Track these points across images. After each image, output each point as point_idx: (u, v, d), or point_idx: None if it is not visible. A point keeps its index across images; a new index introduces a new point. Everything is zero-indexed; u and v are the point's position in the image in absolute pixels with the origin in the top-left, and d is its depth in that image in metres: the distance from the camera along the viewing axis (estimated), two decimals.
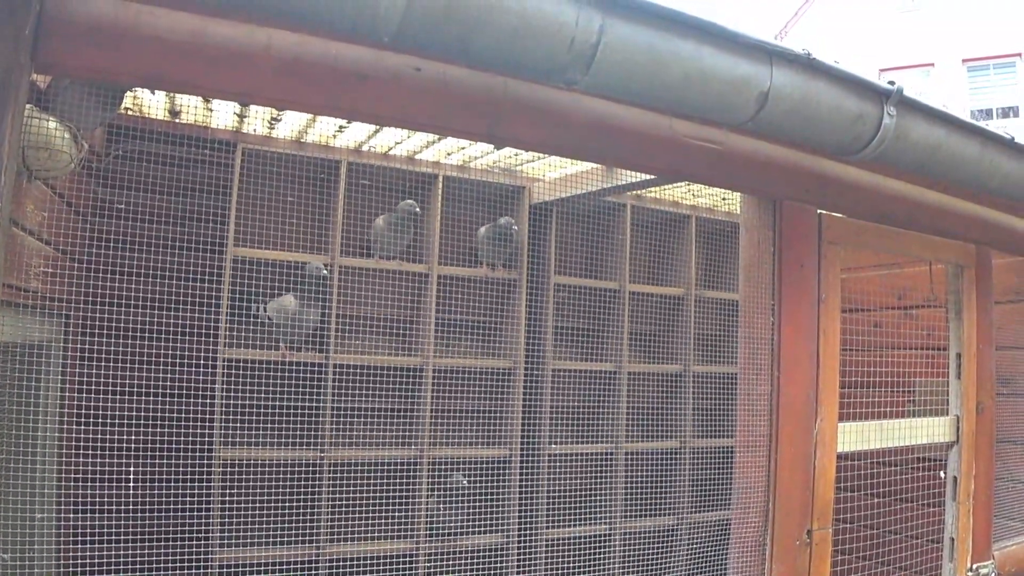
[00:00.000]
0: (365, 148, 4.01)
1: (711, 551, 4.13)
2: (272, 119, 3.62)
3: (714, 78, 2.05)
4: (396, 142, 3.89)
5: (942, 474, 3.32)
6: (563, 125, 2.15)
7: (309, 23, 1.69)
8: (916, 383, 3.79)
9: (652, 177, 3.31)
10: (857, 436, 2.90)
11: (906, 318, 4.41)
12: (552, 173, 4.33)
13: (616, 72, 1.93)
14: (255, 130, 3.81)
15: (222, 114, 3.57)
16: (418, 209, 3.98)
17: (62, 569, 3.03)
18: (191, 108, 3.49)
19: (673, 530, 4.77)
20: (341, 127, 3.66)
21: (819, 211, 2.75)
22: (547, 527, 4.39)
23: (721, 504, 4.67)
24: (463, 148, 3.96)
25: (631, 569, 4.47)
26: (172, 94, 3.21)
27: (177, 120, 3.62)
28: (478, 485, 4.21)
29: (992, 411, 3.40)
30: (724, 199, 4.92)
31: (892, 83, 2.42)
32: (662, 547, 4.67)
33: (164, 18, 1.69)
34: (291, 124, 3.69)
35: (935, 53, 18.56)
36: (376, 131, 3.67)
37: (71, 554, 3.01)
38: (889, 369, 3.72)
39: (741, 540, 2.61)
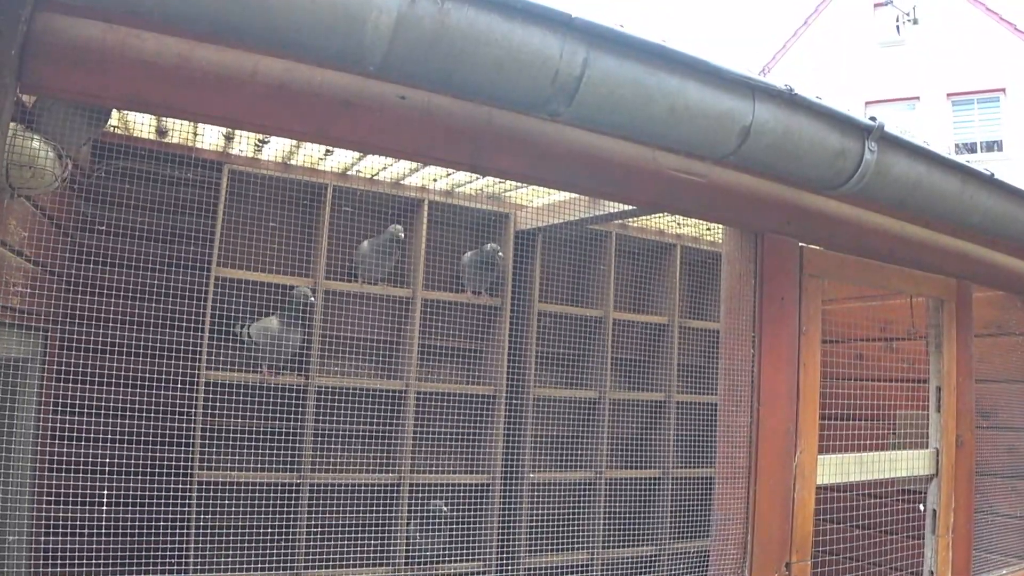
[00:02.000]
0: (351, 172, 4.02)
1: None
2: (259, 141, 3.62)
3: (698, 112, 2.07)
4: (382, 167, 3.90)
5: (921, 507, 3.32)
6: (546, 156, 2.16)
7: (296, 50, 1.70)
8: (897, 415, 3.81)
9: (628, 209, 3.34)
10: (837, 468, 2.91)
11: (888, 350, 4.44)
12: (538, 200, 4.35)
13: (600, 105, 1.95)
14: (242, 151, 3.81)
15: (209, 135, 3.57)
16: (403, 234, 3.98)
17: None
18: (178, 128, 3.49)
19: (654, 559, 4.74)
20: (328, 151, 3.68)
21: (800, 244, 2.77)
22: (528, 555, 4.36)
23: (702, 534, 4.65)
24: (449, 174, 3.98)
25: None
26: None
27: (164, 139, 3.62)
28: (459, 512, 4.18)
29: (972, 444, 3.42)
30: (708, 229, 4.95)
31: (873, 119, 2.46)
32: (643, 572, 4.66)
33: (151, 42, 1.70)
34: (278, 146, 3.69)
35: (920, 87, 18.81)
36: (362, 156, 3.68)
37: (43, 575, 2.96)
38: (870, 401, 3.74)
39: (720, 571, 2.60)
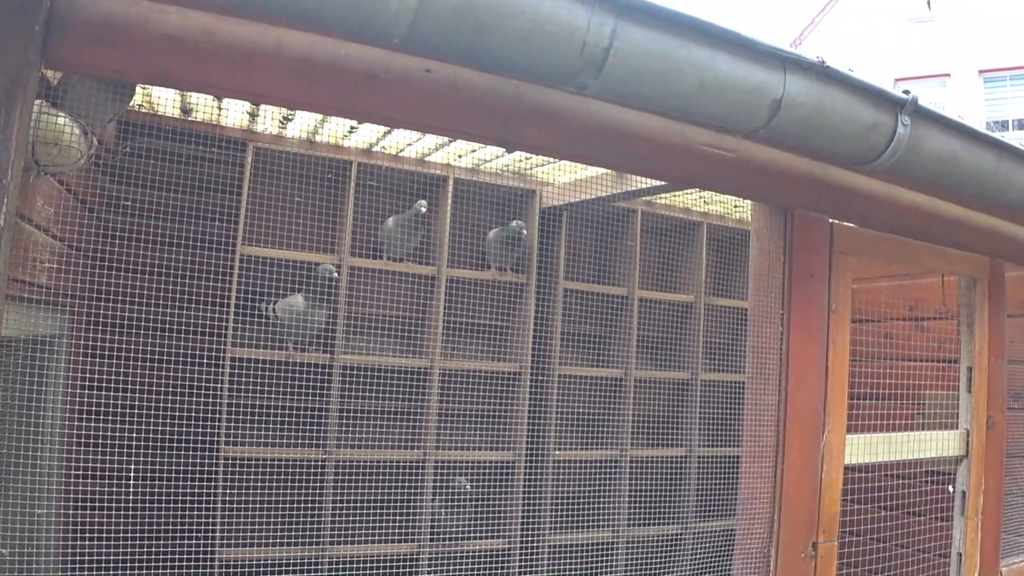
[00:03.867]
0: (376, 149, 4.00)
1: (715, 561, 4.13)
2: (284, 118, 3.61)
3: (729, 85, 2.03)
4: (407, 143, 3.88)
5: (951, 488, 3.28)
6: (575, 131, 2.13)
7: (320, 24, 1.68)
8: (926, 395, 3.76)
9: (663, 183, 3.30)
10: (865, 448, 2.87)
11: (917, 329, 4.37)
12: (563, 177, 4.32)
13: (628, 77, 1.91)
14: (266, 129, 3.80)
15: (233, 112, 3.57)
16: (426, 209, 3.97)
17: (62, 566, 3.02)
18: (203, 106, 3.49)
19: (678, 538, 4.73)
20: (352, 128, 3.66)
21: (831, 221, 2.72)
22: (551, 533, 4.37)
23: (727, 513, 4.65)
24: (474, 151, 3.95)
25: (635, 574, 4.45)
26: (184, 92, 3.20)
27: (189, 118, 3.62)
28: (483, 489, 4.19)
29: (1003, 426, 3.37)
30: (736, 207, 4.89)
31: (907, 92, 2.40)
32: (667, 555, 4.64)
33: (175, 16, 1.68)
34: (302, 124, 3.68)
35: (951, 64, 18.45)
36: (387, 132, 3.66)
37: (72, 551, 3.01)
38: (899, 381, 3.69)
39: (745, 551, 2.59)
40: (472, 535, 4.12)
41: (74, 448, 3.13)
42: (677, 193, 4.59)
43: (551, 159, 3.97)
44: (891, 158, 2.43)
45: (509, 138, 2.05)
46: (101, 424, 3.08)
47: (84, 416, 3.16)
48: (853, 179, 2.75)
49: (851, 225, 2.80)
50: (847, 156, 2.45)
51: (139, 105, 3.47)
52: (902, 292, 4.34)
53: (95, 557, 2.86)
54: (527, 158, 4.00)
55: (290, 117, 3.60)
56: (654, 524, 4.62)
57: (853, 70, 2.34)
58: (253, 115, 3.58)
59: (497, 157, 4.03)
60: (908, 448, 3.03)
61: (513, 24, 1.72)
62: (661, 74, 1.94)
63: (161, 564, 3.09)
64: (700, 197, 4.73)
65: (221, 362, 3.63)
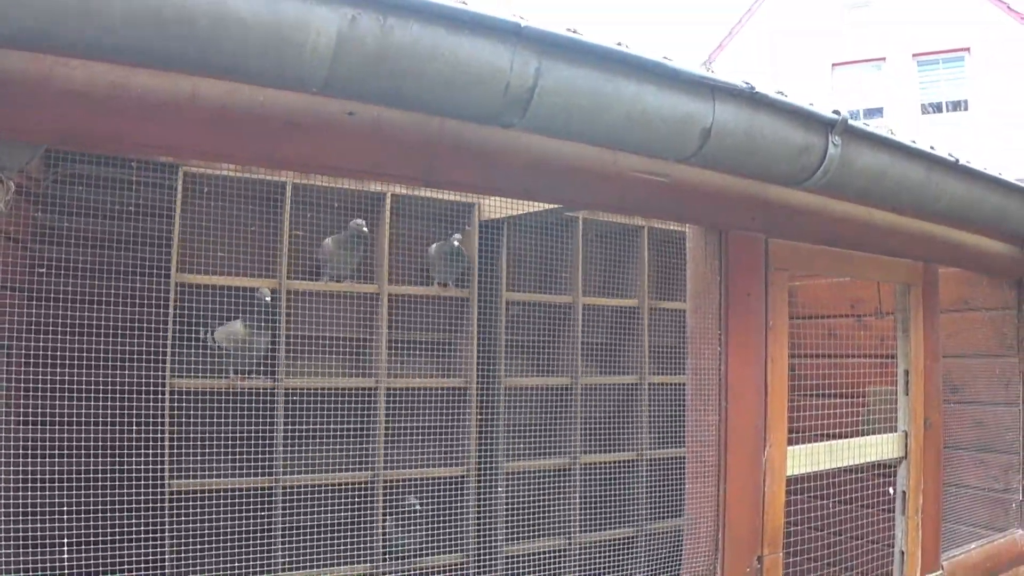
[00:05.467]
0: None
1: (669, 562, 4.16)
2: None
3: (656, 117, 2.03)
4: None
5: (891, 490, 3.35)
6: (502, 165, 2.11)
7: (234, 75, 1.63)
8: (869, 391, 3.84)
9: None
10: (807, 458, 2.91)
11: (859, 327, 4.46)
12: None
13: (555, 114, 1.90)
14: None
15: None
16: (366, 228, 3.92)
17: None
18: None
19: (632, 540, 4.77)
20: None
21: (766, 239, 2.74)
22: (506, 543, 4.37)
23: (677, 513, 4.67)
24: None
25: None
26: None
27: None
28: (435, 505, 4.17)
29: (940, 426, 3.44)
30: None
31: (837, 112, 2.42)
32: (621, 558, 4.67)
33: (80, 70, 1.61)
34: None
35: (886, 48, 18.81)
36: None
37: None
38: (842, 379, 3.76)
39: (693, 569, 2.61)
40: (426, 552, 4.10)
41: (9, 486, 3.04)
42: None
43: None
44: (823, 177, 2.45)
45: (434, 178, 2.02)
46: (40, 460, 3.02)
47: (23, 453, 3.09)
48: (788, 195, 2.77)
49: (785, 241, 2.82)
50: (780, 177, 2.48)
51: None
52: (843, 291, 4.41)
53: None
54: None
55: None
56: (608, 528, 4.67)
57: (783, 92, 2.36)
58: None
59: None
60: (850, 454, 3.08)
61: (432, 68, 1.69)
62: (588, 110, 1.92)
63: None
64: None
65: (161, 393, 3.54)
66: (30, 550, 3.00)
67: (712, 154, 2.19)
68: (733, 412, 2.56)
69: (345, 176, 2.93)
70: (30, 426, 3.32)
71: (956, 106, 18.31)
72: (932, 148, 2.79)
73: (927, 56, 18.49)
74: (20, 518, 3.09)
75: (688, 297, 2.69)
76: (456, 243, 4.11)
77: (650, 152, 2.16)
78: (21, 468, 3.03)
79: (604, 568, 4.63)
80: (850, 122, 2.43)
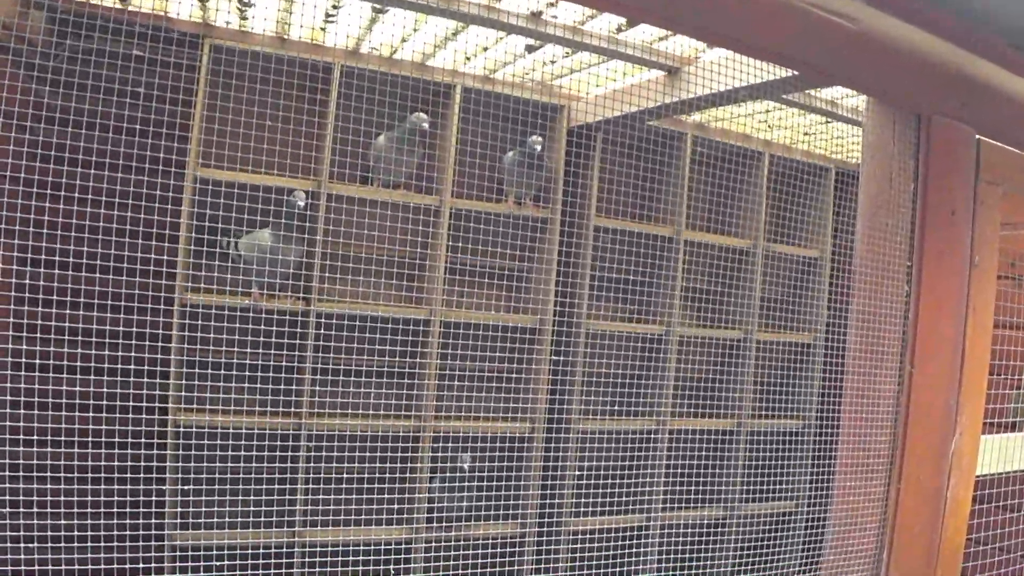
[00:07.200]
0: (364, 49, 3.24)
1: (762, 551, 3.52)
2: (242, 3, 2.85)
3: None
4: (402, 39, 3.10)
5: None
6: None
7: None
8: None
9: (727, 89, 2.47)
10: (1000, 453, 2.10)
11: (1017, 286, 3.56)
12: (597, 89, 3.52)
13: None
14: (226, 22, 3.06)
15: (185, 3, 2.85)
16: (428, 124, 3.29)
17: None
18: None
19: (721, 524, 4.13)
20: (328, 15, 2.89)
21: (977, 136, 1.91)
22: (573, 517, 3.79)
23: (778, 496, 4.06)
24: (486, 49, 3.16)
25: (670, 570, 3.85)
26: None
27: (129, 7, 2.89)
28: (493, 466, 3.57)
29: None
30: (806, 134, 4.09)
31: None
32: (707, 543, 4.14)
33: None
34: (267, 10, 2.91)
35: None
36: (374, 20, 2.89)
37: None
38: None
39: None
40: (478, 519, 3.55)
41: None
42: (738, 114, 3.81)
43: (584, 65, 3.20)
44: None
45: None
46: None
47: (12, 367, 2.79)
48: (1007, 79, 1.93)
49: (1003, 145, 1.98)
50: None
51: None
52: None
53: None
54: (553, 60, 3.21)
55: (250, 2, 2.84)
56: (694, 507, 4.14)
57: None
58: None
59: (517, 58, 3.25)
60: None
61: None
62: None
63: (103, 547, 2.53)
64: (763, 122, 3.93)
65: (171, 309, 2.99)
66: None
67: None
68: (920, 381, 1.77)
69: None
70: (23, 340, 2.91)
71: None
72: None
73: None
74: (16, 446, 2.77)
75: (861, 210, 1.89)
76: (537, 146, 3.39)
77: None
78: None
79: (686, 555, 4.01)
80: None
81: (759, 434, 4.16)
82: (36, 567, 2.43)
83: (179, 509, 3.13)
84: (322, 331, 3.23)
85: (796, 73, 2.04)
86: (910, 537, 1.84)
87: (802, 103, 3.29)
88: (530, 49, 3.14)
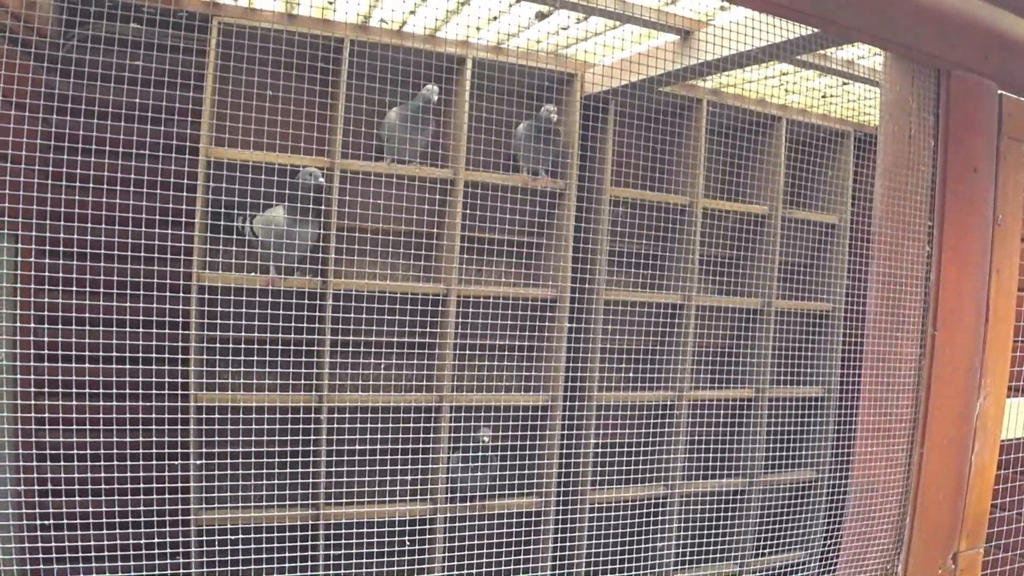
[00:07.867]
0: (373, 23, 3.21)
1: (784, 521, 3.50)
2: None
3: None
4: (411, 11, 3.06)
5: None
6: None
7: None
8: None
9: (739, 51, 2.42)
10: None
11: None
12: (609, 58, 3.46)
13: None
14: (234, 0, 3.04)
15: None
16: (436, 96, 3.24)
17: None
18: None
19: (743, 494, 4.10)
20: None
21: (1000, 91, 1.86)
22: (593, 489, 3.77)
23: (799, 464, 4.05)
24: (495, 18, 3.12)
25: (691, 539, 3.83)
26: None
27: None
28: (512, 439, 3.56)
29: None
30: (824, 96, 4.01)
31: None
32: (729, 513, 4.13)
33: None
34: None
35: None
36: None
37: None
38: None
39: (857, 565, 1.83)
40: (498, 493, 3.53)
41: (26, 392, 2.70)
42: (752, 78, 3.74)
43: (594, 33, 3.14)
44: None
45: None
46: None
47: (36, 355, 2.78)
48: None
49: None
50: None
51: None
52: None
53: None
54: (565, 28, 3.16)
55: None
56: (715, 477, 4.14)
57: None
58: None
59: (528, 26, 3.20)
60: None
61: None
62: None
63: (130, 527, 2.56)
64: (780, 86, 3.86)
65: (188, 290, 2.99)
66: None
67: None
68: (943, 343, 1.74)
69: None
70: (44, 325, 2.98)
71: None
72: None
73: None
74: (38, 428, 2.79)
75: (880, 168, 1.84)
76: (553, 116, 3.34)
77: None
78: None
79: (708, 524, 4.03)
80: None
81: (779, 402, 4.12)
82: (67, 547, 2.44)
83: (203, 486, 3.14)
84: (340, 310, 3.24)
85: (816, 31, 2.00)
86: (935, 502, 1.82)
87: (819, 64, 3.23)
88: (540, 16, 3.09)
